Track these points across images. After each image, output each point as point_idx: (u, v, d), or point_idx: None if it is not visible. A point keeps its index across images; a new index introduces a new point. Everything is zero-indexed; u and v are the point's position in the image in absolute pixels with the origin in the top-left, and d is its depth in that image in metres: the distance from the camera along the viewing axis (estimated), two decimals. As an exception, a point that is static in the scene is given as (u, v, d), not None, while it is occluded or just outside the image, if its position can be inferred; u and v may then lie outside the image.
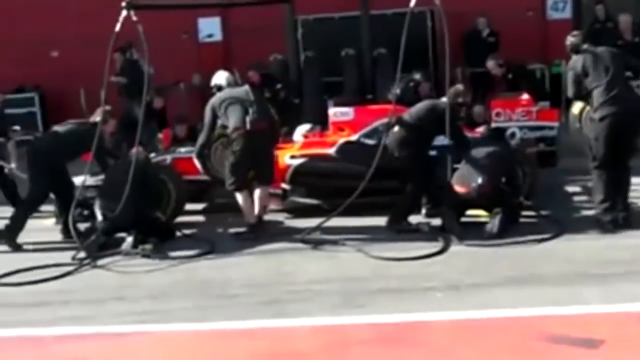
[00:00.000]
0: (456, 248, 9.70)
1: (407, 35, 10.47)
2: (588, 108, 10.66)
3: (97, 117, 11.20)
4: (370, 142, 11.39)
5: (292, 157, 11.70)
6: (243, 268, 9.57)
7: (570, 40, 10.67)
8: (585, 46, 10.45)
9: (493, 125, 11.78)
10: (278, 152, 11.69)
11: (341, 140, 11.77)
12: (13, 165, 12.66)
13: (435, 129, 10.70)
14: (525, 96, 12.58)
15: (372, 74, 16.16)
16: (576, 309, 7.59)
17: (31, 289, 9.26)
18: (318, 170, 11.62)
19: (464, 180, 10.31)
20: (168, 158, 12.00)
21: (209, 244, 10.44)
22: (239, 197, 10.98)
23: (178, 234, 11.03)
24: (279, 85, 13.26)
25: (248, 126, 10.68)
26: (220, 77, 12.12)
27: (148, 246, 10.28)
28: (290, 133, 12.69)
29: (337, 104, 12.87)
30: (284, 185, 11.69)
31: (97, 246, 10.38)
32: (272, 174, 11.21)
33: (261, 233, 10.81)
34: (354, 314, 7.90)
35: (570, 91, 10.50)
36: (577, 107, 11.39)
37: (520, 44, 17.63)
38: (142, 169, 10.73)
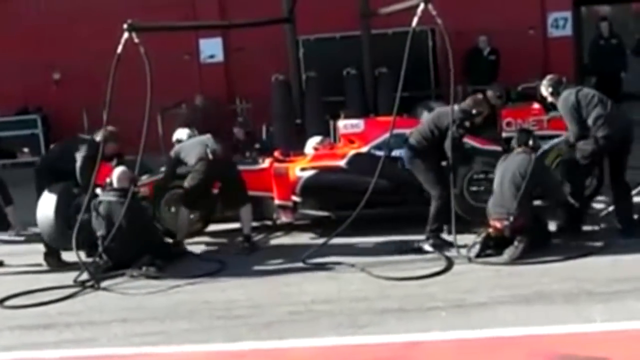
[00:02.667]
0: (460, 267, 9.67)
1: (409, 54, 10.48)
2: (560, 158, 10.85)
3: (98, 136, 11.29)
4: (381, 153, 11.24)
5: (303, 169, 11.71)
6: (246, 289, 9.54)
7: (548, 84, 10.76)
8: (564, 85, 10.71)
9: (504, 135, 11.75)
10: (289, 165, 11.80)
11: (351, 152, 11.76)
12: None
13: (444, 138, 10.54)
14: (536, 105, 12.54)
15: (373, 93, 16.21)
16: (582, 327, 7.55)
17: (35, 311, 9.25)
18: (328, 182, 11.60)
19: (499, 213, 10.08)
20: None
21: (218, 265, 10.46)
22: (183, 214, 11.34)
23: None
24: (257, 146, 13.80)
25: (210, 156, 11.03)
26: (181, 133, 12.76)
27: (152, 268, 10.27)
28: None
29: (347, 117, 12.86)
30: (295, 198, 11.70)
31: (103, 269, 10.36)
32: (245, 194, 11.36)
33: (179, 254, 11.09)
34: (357, 334, 7.86)
35: (575, 130, 10.42)
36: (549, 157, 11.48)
37: (521, 62, 17.66)
38: (138, 205, 10.80)
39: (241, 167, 11.72)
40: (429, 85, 18.15)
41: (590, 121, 10.27)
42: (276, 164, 11.97)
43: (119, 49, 10.52)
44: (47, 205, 10.69)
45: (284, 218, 11.87)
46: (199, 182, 11.10)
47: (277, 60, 17.22)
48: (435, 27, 15.79)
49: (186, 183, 11.21)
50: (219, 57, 20.09)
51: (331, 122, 14.21)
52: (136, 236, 10.43)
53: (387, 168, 10.81)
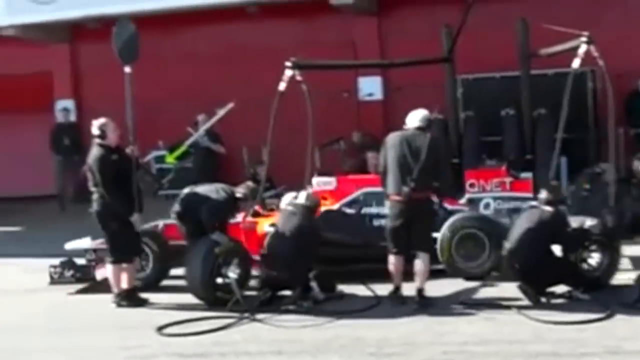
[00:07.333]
0: (617, 313, 9.49)
1: (568, 95, 10.39)
2: None
3: (239, 193, 11.48)
4: (351, 211, 11.59)
5: (272, 225, 11.34)
6: (399, 327, 9.57)
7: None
8: None
9: (467, 195, 11.73)
10: (258, 220, 11.78)
11: (322, 209, 11.68)
12: None
13: None
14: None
15: (532, 134, 16.07)
16: None
17: (191, 339, 9.49)
18: None
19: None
20: None
21: (372, 301, 10.52)
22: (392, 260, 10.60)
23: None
24: None
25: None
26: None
27: (306, 303, 10.42)
28: None
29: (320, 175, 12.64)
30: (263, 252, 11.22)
31: (261, 301, 10.54)
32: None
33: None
34: (510, 376, 7.83)
35: None
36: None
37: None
38: (309, 224, 10.90)
39: None
40: (587, 127, 17.86)
41: None
42: (247, 219, 11.83)
43: (282, 86, 10.72)
44: (194, 264, 10.85)
45: (254, 272, 11.29)
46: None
47: (436, 98, 17.23)
48: (595, 69, 15.56)
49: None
50: (378, 95, 20.25)
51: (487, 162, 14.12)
52: (297, 251, 10.62)
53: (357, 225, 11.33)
